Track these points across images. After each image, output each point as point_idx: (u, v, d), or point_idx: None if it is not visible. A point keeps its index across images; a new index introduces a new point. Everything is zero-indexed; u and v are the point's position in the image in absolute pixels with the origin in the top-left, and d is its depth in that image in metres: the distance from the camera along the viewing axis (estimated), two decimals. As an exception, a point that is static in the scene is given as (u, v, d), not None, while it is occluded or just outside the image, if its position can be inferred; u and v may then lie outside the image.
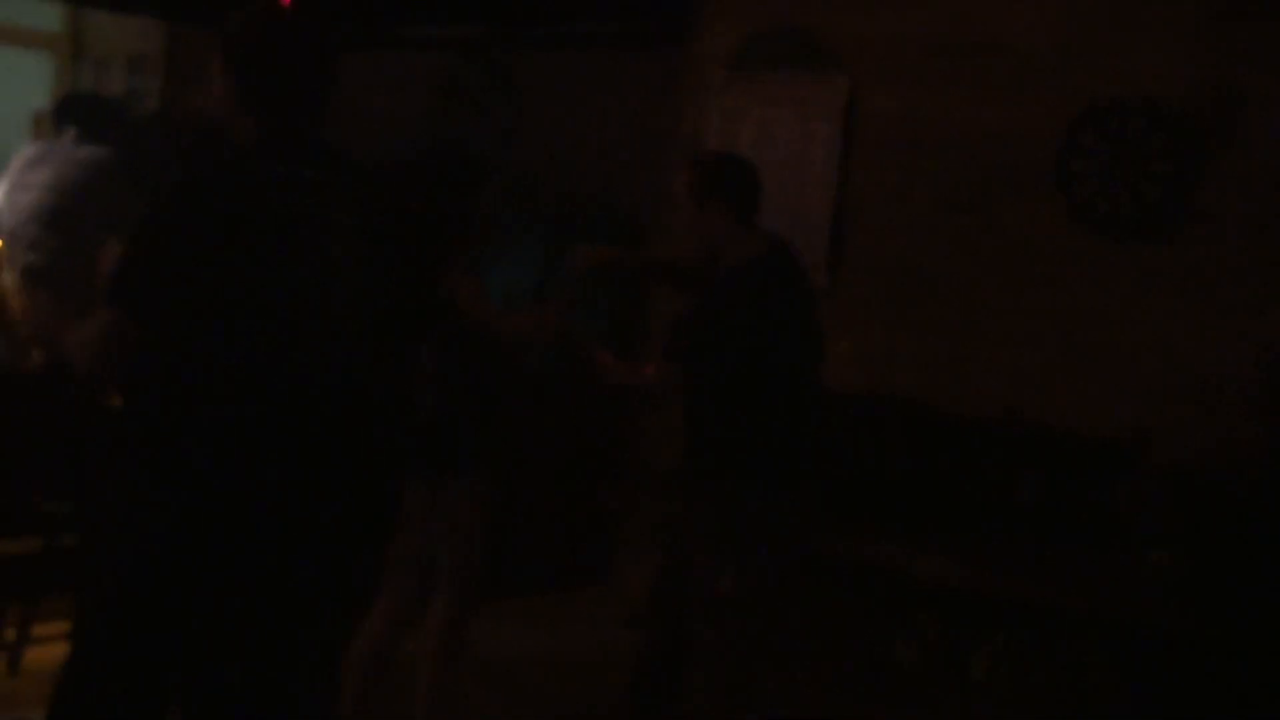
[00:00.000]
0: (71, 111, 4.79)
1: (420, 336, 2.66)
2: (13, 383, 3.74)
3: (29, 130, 5.81)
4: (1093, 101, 4.79)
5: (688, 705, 3.65)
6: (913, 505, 4.84)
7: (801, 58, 5.48)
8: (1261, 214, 4.52)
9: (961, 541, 4.60)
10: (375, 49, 6.97)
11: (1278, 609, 3.99)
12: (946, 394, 5.03)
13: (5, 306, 4.47)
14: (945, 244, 5.12)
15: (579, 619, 5.19)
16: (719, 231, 3.45)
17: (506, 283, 6.22)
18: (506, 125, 6.74)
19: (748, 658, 3.55)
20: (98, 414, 3.01)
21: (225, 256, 2.23)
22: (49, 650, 3.16)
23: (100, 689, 2.34)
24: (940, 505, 4.81)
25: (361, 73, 6.89)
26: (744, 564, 3.47)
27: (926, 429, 4.96)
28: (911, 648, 4.66)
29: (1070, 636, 4.33)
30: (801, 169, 5.43)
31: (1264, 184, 4.51)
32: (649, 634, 3.72)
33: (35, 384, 3.74)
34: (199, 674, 2.37)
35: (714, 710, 3.52)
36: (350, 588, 2.51)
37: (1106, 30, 4.78)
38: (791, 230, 5.35)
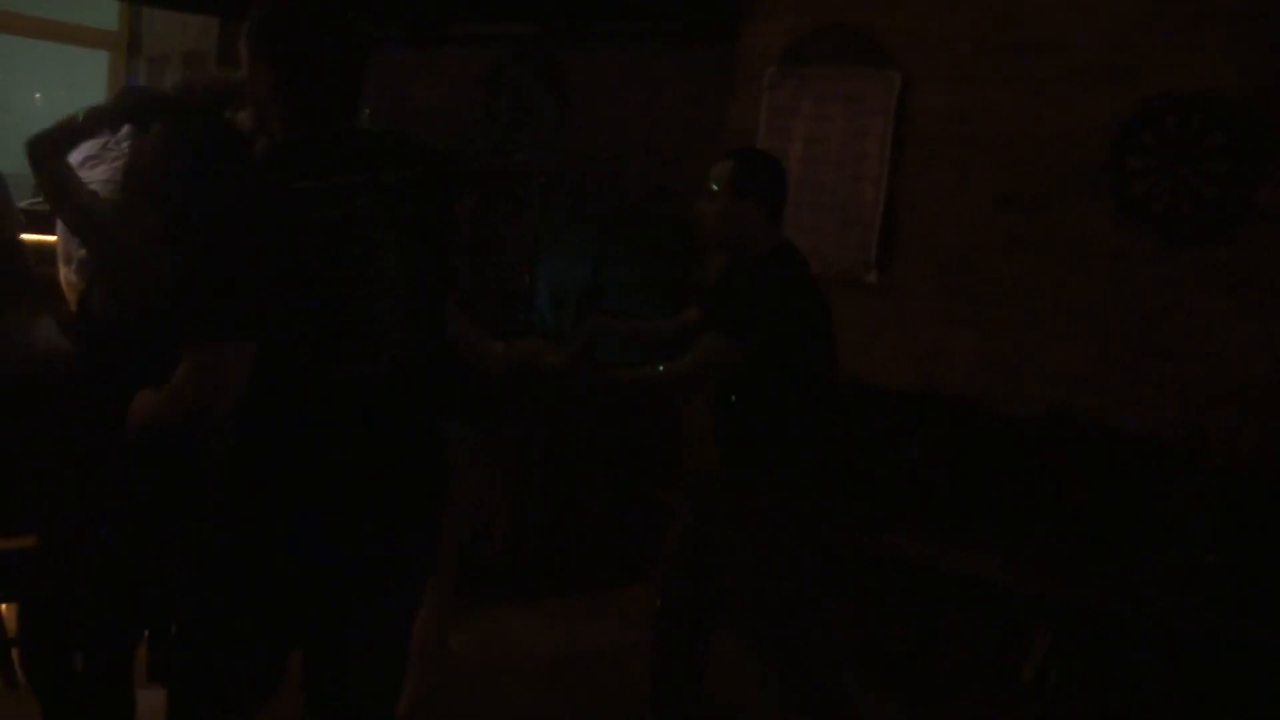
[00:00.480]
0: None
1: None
2: (64, 375, 3.78)
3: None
4: (1148, 98, 4.74)
5: (712, 704, 3.64)
6: (962, 504, 4.81)
7: (853, 53, 5.46)
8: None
9: (1011, 541, 4.57)
10: (426, 46, 7.01)
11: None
12: (997, 392, 5.00)
13: (63, 299, 4.51)
14: (997, 241, 5.09)
15: (628, 615, 5.19)
16: (750, 223, 3.47)
17: (556, 280, 6.24)
18: (556, 123, 6.74)
19: (795, 657, 3.52)
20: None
21: (278, 268, 2.24)
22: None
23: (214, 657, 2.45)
24: (990, 505, 4.78)
25: (412, 69, 6.95)
26: (785, 560, 3.45)
27: (977, 427, 4.93)
28: (959, 647, 4.63)
29: (1120, 638, 4.29)
30: (852, 165, 5.41)
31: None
32: (665, 632, 3.70)
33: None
34: (316, 637, 2.47)
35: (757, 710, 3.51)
36: (425, 552, 2.57)
37: (1163, 26, 4.73)
38: (842, 227, 5.37)
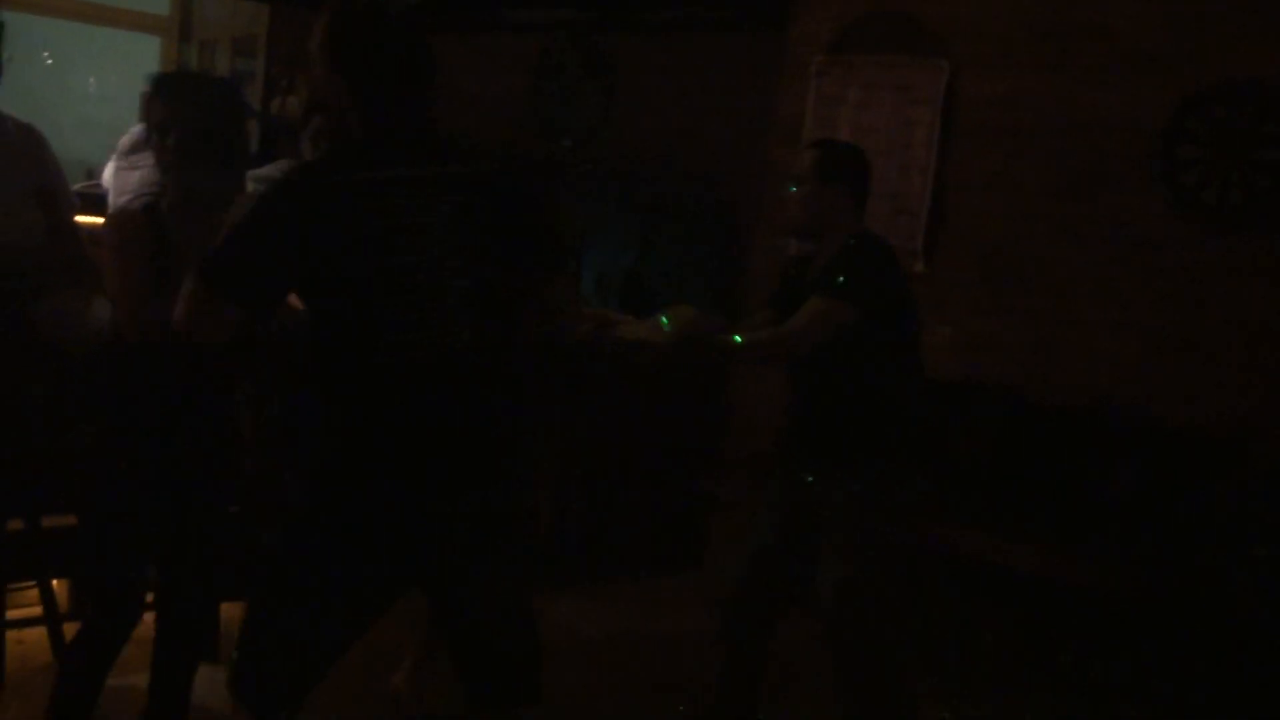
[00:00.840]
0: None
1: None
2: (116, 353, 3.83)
3: (138, 111, 5.95)
4: (1200, 86, 4.69)
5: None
6: (1005, 494, 4.79)
7: (901, 41, 5.44)
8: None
9: (1053, 532, 4.55)
10: (472, 33, 7.03)
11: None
12: (1043, 382, 4.97)
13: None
14: (1045, 231, 5.06)
15: (671, 602, 5.21)
16: (835, 211, 3.48)
17: (601, 267, 6.25)
18: (602, 109, 6.75)
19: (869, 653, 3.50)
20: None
21: (341, 253, 2.39)
22: (151, 616, 3.27)
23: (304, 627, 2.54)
24: (1033, 495, 4.75)
25: (457, 56, 6.97)
26: (879, 553, 3.44)
27: (1021, 417, 4.91)
28: (1000, 637, 4.62)
29: (1164, 631, 4.27)
30: (900, 153, 5.39)
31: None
32: (740, 620, 3.69)
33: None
34: (441, 603, 2.64)
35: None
36: (507, 530, 2.66)
37: (1214, 13, 4.68)
38: (889, 215, 5.35)
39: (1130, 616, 4.33)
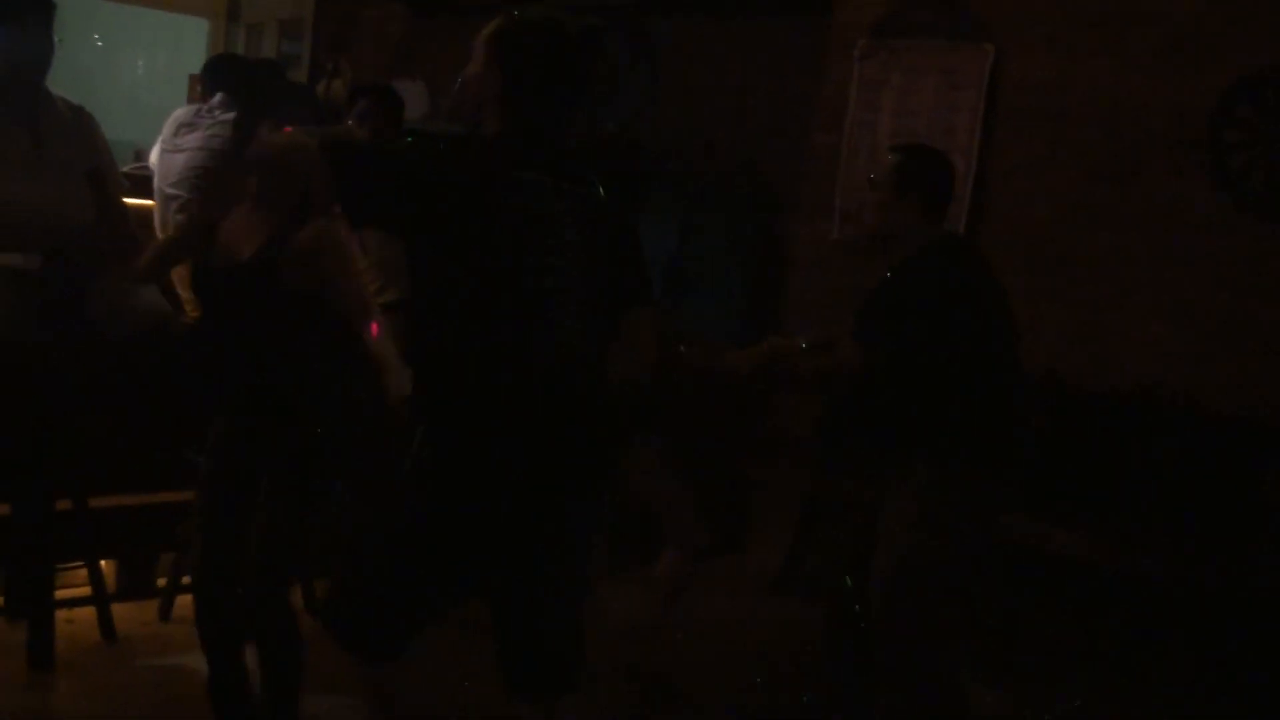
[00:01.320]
0: (220, 76, 4.91)
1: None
2: (167, 337, 3.87)
3: (186, 93, 6.03)
4: (1247, 71, 4.65)
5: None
6: (1049, 481, 4.77)
7: (946, 26, 5.40)
8: None
9: (1099, 519, 4.53)
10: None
11: None
12: (1085, 369, 4.94)
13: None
14: (1089, 216, 5.03)
15: (716, 586, 5.22)
16: (907, 219, 3.47)
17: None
18: (646, 91, 6.74)
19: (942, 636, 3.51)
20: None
21: (461, 233, 2.47)
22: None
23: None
24: (1078, 482, 4.73)
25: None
26: (926, 543, 3.44)
27: (1066, 404, 4.88)
28: (1046, 624, 4.61)
29: (1210, 617, 4.25)
30: (942, 137, 5.35)
31: None
32: (838, 613, 3.71)
33: (188, 337, 3.86)
34: (503, 597, 2.69)
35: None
36: (587, 528, 2.75)
37: (1263, -2, 4.63)
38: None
39: (1176, 604, 4.31)
